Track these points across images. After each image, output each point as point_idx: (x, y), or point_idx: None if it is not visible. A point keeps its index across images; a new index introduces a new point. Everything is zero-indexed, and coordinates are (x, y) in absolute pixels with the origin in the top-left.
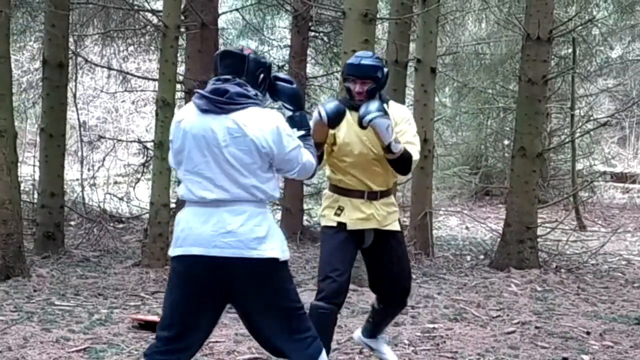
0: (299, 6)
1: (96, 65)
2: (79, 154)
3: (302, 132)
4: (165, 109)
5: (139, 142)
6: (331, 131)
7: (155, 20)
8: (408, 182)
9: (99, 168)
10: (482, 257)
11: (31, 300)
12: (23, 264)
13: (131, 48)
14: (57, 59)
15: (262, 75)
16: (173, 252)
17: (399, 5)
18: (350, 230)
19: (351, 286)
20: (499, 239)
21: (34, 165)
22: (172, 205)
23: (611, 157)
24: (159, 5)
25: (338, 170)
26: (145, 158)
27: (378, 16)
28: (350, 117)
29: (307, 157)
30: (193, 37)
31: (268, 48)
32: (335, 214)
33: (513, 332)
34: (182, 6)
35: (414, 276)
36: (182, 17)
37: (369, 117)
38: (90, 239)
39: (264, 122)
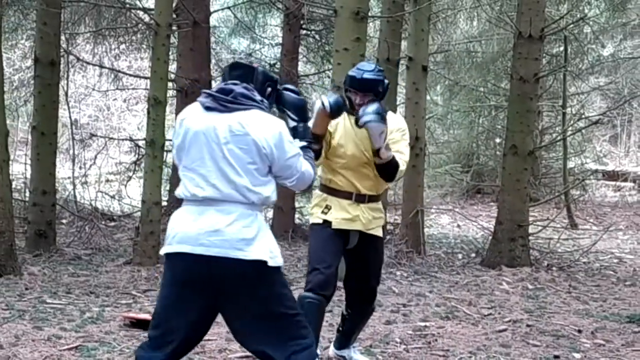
0: (291, 4)
1: (88, 63)
2: (71, 152)
3: (303, 143)
4: (156, 107)
5: (131, 140)
6: (329, 128)
7: (147, 18)
8: (400, 180)
9: (90, 166)
10: (473, 255)
11: (23, 298)
12: (15, 262)
13: (123, 46)
14: (48, 57)
15: (269, 89)
16: (163, 249)
17: (390, 4)
18: (336, 229)
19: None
20: (490, 237)
21: (25, 164)
22: (164, 204)
23: (603, 155)
24: (150, 4)
25: (329, 170)
26: (136, 156)
27: (370, 14)
28: (347, 121)
29: (306, 167)
30: (185, 35)
31: (260, 46)
32: (323, 212)
33: (504, 330)
34: (174, 4)
35: (405, 274)
36: (174, 15)
37: (366, 118)
38: (82, 237)
39: (267, 124)
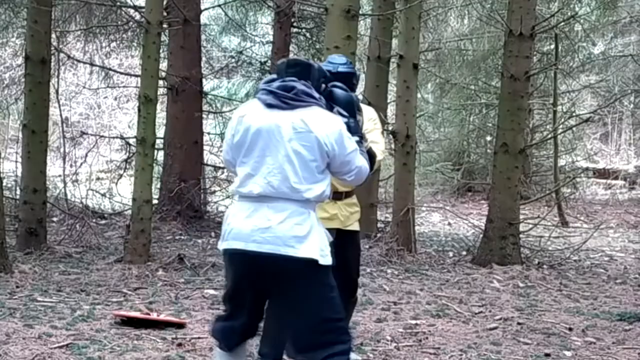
0: (282, 2)
1: (78, 61)
2: (62, 150)
3: (356, 138)
4: (147, 105)
5: (122, 138)
6: None
7: (137, 16)
8: (390, 178)
9: (81, 164)
10: (464, 253)
11: (13, 296)
12: (5, 260)
13: (113, 44)
14: (39, 55)
15: (323, 85)
16: (219, 245)
17: (381, 1)
18: None
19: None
20: (481, 235)
21: (16, 162)
22: (155, 202)
23: (593, 153)
24: (141, 2)
25: None
26: (127, 154)
27: (360, 12)
28: None
29: (363, 162)
30: (175, 33)
31: (250, 44)
32: None
33: (495, 328)
34: (165, 2)
35: (396, 272)
36: (165, 13)
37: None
38: (73, 235)
39: (328, 122)
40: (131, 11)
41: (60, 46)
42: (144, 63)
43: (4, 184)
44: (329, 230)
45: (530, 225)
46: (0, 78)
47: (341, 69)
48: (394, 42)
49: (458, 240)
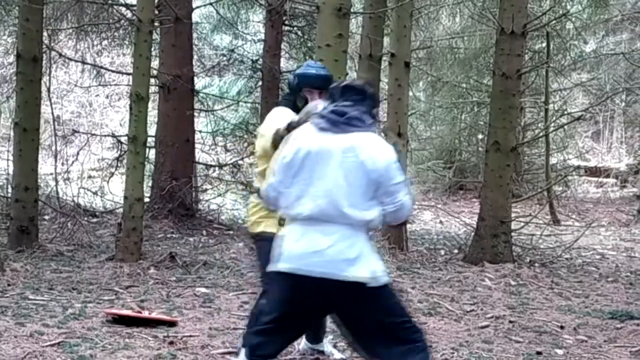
0: (273, 0)
1: (70, 59)
2: (53, 148)
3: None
4: (139, 103)
5: (113, 136)
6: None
7: (129, 14)
8: None
9: (73, 162)
10: (456, 251)
11: (5, 294)
12: None
13: (105, 42)
14: (31, 53)
15: (375, 110)
16: (273, 267)
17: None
18: None
19: None
20: (473, 234)
21: (7, 160)
22: (146, 200)
23: (585, 151)
24: (132, 0)
25: None
26: (119, 152)
27: (352, 10)
28: None
29: (407, 198)
30: (167, 31)
31: (242, 42)
32: (280, 223)
33: (487, 326)
34: (156, 0)
35: (388, 271)
36: (156, 12)
37: None
38: (64, 233)
39: (378, 148)
40: (123, 9)
41: (52, 44)
42: (135, 61)
43: None
44: None
45: (522, 224)
46: None
47: (322, 72)
48: (386, 40)
49: (450, 238)
